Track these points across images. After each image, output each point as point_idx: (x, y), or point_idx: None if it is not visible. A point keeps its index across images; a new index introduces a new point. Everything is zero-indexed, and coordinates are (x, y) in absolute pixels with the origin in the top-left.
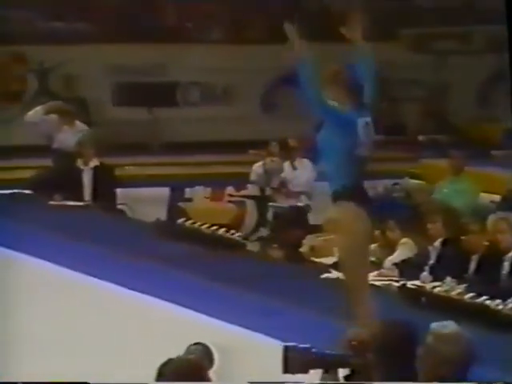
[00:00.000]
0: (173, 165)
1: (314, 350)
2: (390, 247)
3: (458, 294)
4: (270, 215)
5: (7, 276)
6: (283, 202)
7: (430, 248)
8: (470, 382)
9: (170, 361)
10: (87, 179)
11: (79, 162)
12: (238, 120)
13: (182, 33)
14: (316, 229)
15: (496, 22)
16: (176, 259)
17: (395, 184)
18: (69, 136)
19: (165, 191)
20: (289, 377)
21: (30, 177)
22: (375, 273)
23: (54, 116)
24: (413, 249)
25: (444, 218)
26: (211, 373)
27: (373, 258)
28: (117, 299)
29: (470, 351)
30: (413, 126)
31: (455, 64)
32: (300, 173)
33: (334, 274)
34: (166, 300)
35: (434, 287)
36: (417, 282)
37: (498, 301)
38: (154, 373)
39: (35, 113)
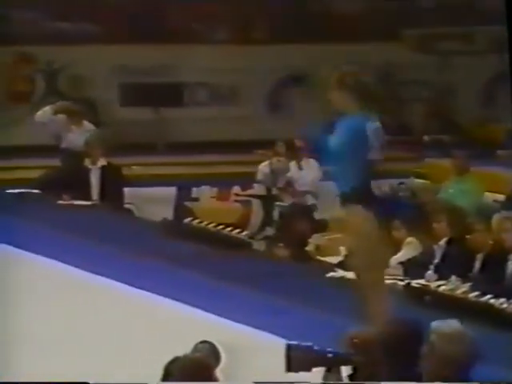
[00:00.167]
0: (179, 164)
1: (315, 348)
2: (396, 246)
3: (463, 292)
4: (276, 214)
5: (15, 275)
6: (289, 202)
7: (435, 247)
8: (474, 381)
9: (176, 359)
10: (95, 179)
11: (87, 162)
12: (244, 120)
13: (188, 34)
14: (322, 227)
15: (498, 23)
16: (183, 258)
17: (401, 183)
18: (77, 136)
19: (171, 191)
20: (292, 375)
21: (39, 176)
22: None
23: (62, 116)
24: (418, 248)
25: (449, 218)
26: (218, 371)
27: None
28: (124, 298)
29: (473, 350)
30: (418, 127)
31: (459, 64)
32: (306, 172)
33: (340, 273)
34: (172, 299)
35: (439, 286)
36: (422, 281)
37: (503, 299)
38: (160, 371)
39: (44, 113)
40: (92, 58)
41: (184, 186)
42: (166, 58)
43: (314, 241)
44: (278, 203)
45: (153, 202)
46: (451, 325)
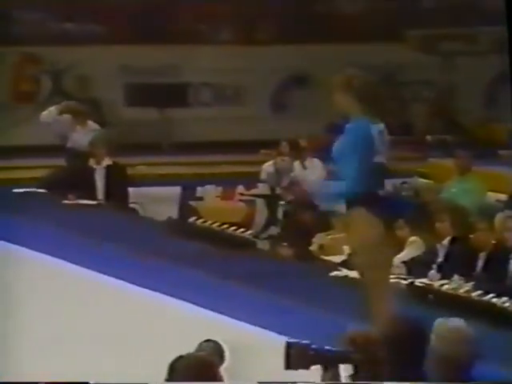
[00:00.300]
0: (184, 164)
1: (314, 346)
2: (399, 245)
3: (466, 291)
4: (280, 214)
5: (20, 274)
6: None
7: (438, 246)
8: (476, 381)
9: (180, 358)
10: (100, 178)
11: (92, 162)
12: (249, 120)
13: (193, 34)
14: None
15: (501, 23)
16: (187, 257)
17: (404, 183)
18: (81, 136)
19: (176, 190)
20: (295, 373)
21: (44, 176)
22: None
23: (67, 116)
24: (421, 247)
25: (452, 217)
26: (222, 369)
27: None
28: (128, 297)
29: (474, 350)
30: (420, 127)
31: (462, 65)
32: (310, 172)
33: (343, 272)
34: (176, 298)
35: (442, 285)
36: (425, 280)
37: (505, 298)
38: (164, 370)
39: (49, 113)
40: (97, 58)
41: (188, 186)
42: (170, 59)
43: (318, 240)
44: (282, 202)
45: (157, 202)
46: (452, 324)
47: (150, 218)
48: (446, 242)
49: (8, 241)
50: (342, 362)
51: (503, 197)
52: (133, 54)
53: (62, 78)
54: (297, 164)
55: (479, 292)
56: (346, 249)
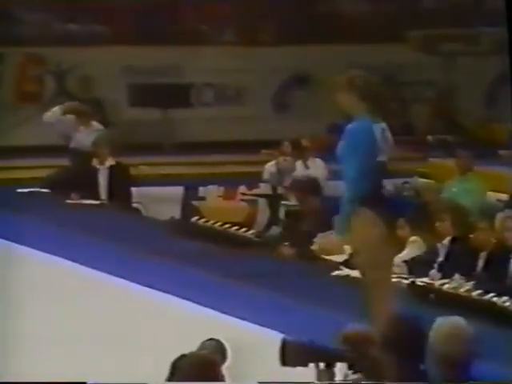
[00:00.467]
0: (187, 164)
1: (311, 343)
2: (400, 245)
3: (466, 291)
4: (281, 213)
5: (23, 273)
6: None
7: (439, 246)
8: (478, 380)
9: (183, 356)
10: (103, 178)
11: (95, 162)
12: (251, 120)
13: (195, 35)
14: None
15: (502, 24)
16: (189, 257)
17: (405, 183)
18: (85, 136)
19: (179, 190)
20: (294, 371)
21: (47, 176)
22: None
23: (70, 116)
24: (422, 247)
25: (452, 217)
26: (224, 368)
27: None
28: (131, 296)
29: (472, 348)
30: (421, 127)
31: (463, 65)
32: (312, 172)
33: (345, 272)
34: (179, 297)
35: (443, 284)
36: (426, 279)
37: (506, 298)
38: (167, 369)
39: (53, 113)
40: (100, 58)
41: (191, 186)
42: (172, 59)
43: (319, 239)
44: (284, 202)
45: (160, 202)
46: (452, 322)
47: (152, 218)
48: (446, 241)
49: (11, 240)
50: (337, 361)
51: (504, 196)
52: (136, 54)
53: (65, 78)
54: (299, 164)
55: (480, 291)
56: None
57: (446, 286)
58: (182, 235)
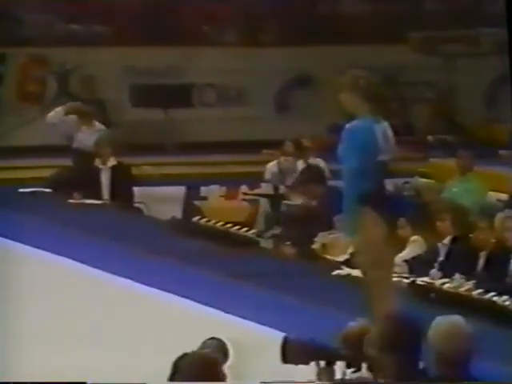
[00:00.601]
0: (188, 164)
1: (312, 342)
2: (401, 244)
3: (467, 290)
4: (283, 213)
5: (25, 272)
6: (297, 201)
7: (440, 245)
8: (478, 379)
9: (185, 355)
10: (105, 178)
11: (97, 162)
12: (252, 120)
13: (197, 36)
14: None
15: (502, 25)
16: (191, 256)
17: (405, 183)
18: (87, 136)
19: (180, 190)
20: (296, 370)
21: (50, 176)
22: None
23: (73, 117)
24: (422, 246)
25: (453, 216)
26: (225, 367)
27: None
28: (133, 295)
29: (470, 347)
30: (422, 127)
31: (463, 66)
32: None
33: (346, 271)
34: (181, 296)
35: (443, 283)
36: (426, 279)
37: (506, 297)
38: (169, 368)
39: (55, 114)
40: (103, 59)
41: (193, 186)
42: (175, 60)
43: (320, 239)
44: (285, 202)
45: (162, 201)
46: (450, 321)
47: (154, 218)
48: (447, 241)
49: (14, 240)
50: (337, 359)
51: (504, 196)
52: (137, 55)
53: (67, 79)
54: (300, 164)
55: (480, 290)
56: (349, 248)
57: (447, 286)
58: (183, 235)
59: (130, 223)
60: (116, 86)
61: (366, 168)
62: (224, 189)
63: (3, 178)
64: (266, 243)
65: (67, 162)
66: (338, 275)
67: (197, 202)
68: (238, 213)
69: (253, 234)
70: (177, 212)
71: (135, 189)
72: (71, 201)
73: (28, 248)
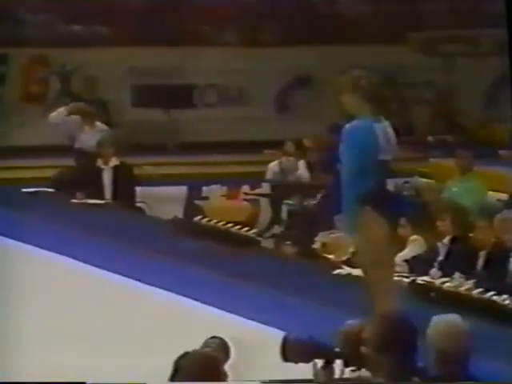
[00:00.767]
0: (190, 164)
1: (312, 340)
2: (401, 244)
3: (467, 289)
4: (284, 213)
5: (28, 272)
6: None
7: (439, 245)
8: (479, 379)
9: (186, 354)
10: (107, 178)
11: (99, 162)
12: (253, 121)
13: (198, 36)
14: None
15: (502, 25)
16: (192, 255)
17: (405, 182)
18: (89, 136)
19: (182, 190)
20: (297, 368)
21: (52, 176)
22: None
23: (75, 117)
24: (422, 246)
25: (453, 216)
26: (227, 366)
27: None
28: (134, 295)
29: (467, 345)
30: (422, 127)
31: (463, 66)
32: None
33: (346, 270)
34: (182, 295)
35: (443, 283)
36: (426, 278)
37: (505, 296)
38: (170, 367)
39: (58, 114)
40: (104, 59)
41: (194, 186)
42: (176, 60)
43: (321, 238)
44: (286, 202)
45: (164, 201)
46: (448, 321)
47: (156, 217)
48: (446, 240)
49: (15, 239)
50: (336, 358)
51: (504, 196)
52: (139, 55)
53: (70, 79)
54: (301, 163)
55: (480, 290)
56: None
57: (447, 285)
58: (185, 234)
59: (132, 223)
60: (117, 87)
61: (366, 167)
62: (225, 189)
63: (6, 178)
64: (267, 243)
65: (69, 162)
66: (339, 275)
67: (198, 202)
68: (239, 213)
69: (254, 233)
70: (178, 212)
71: (137, 189)
72: (74, 201)
73: (29, 247)
